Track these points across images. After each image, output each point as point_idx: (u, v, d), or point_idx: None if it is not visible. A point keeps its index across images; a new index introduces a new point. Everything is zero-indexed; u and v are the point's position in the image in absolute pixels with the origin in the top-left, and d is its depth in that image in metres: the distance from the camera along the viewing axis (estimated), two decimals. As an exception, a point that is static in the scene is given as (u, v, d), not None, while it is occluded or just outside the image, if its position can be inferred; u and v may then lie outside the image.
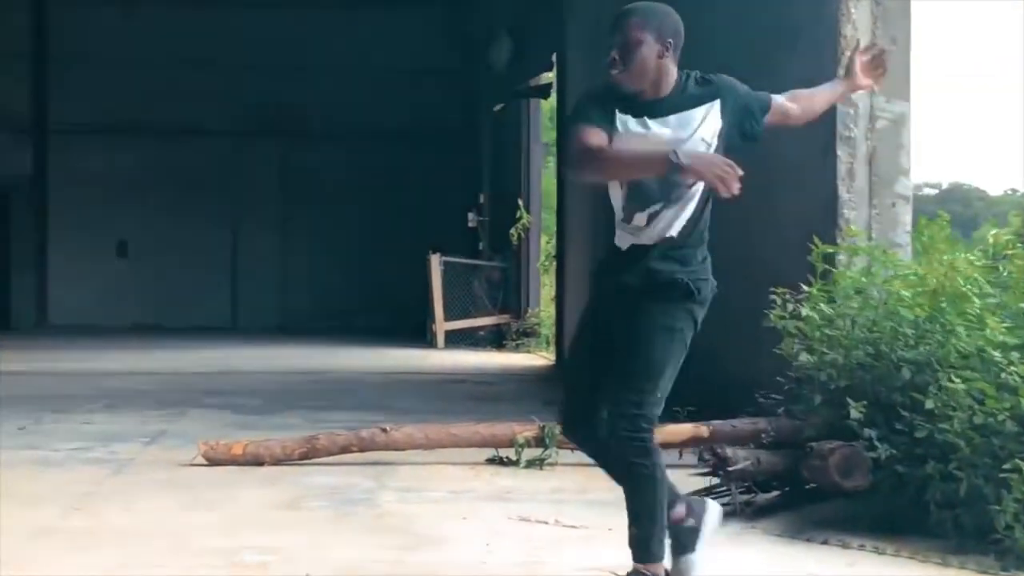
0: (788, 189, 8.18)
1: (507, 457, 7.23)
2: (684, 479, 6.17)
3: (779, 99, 4.39)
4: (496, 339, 17.02)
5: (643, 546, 4.11)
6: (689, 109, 4.07)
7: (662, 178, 3.96)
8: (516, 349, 16.51)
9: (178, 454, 7.34)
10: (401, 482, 6.66)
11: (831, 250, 6.13)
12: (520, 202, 16.73)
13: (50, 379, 12.19)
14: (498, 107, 17.77)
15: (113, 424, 8.85)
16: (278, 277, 21.60)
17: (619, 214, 4.14)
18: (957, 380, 5.11)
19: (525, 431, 7.25)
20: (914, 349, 5.51)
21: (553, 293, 15.42)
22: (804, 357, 5.82)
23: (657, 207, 4.05)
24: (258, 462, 7.06)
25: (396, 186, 20.34)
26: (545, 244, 17.13)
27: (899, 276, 5.91)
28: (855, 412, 5.42)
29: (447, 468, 7.02)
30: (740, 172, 3.84)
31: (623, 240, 4.15)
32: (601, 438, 4.17)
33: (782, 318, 6.01)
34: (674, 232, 4.08)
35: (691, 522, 4.26)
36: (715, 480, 5.87)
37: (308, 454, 7.12)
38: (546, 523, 5.66)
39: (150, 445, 7.88)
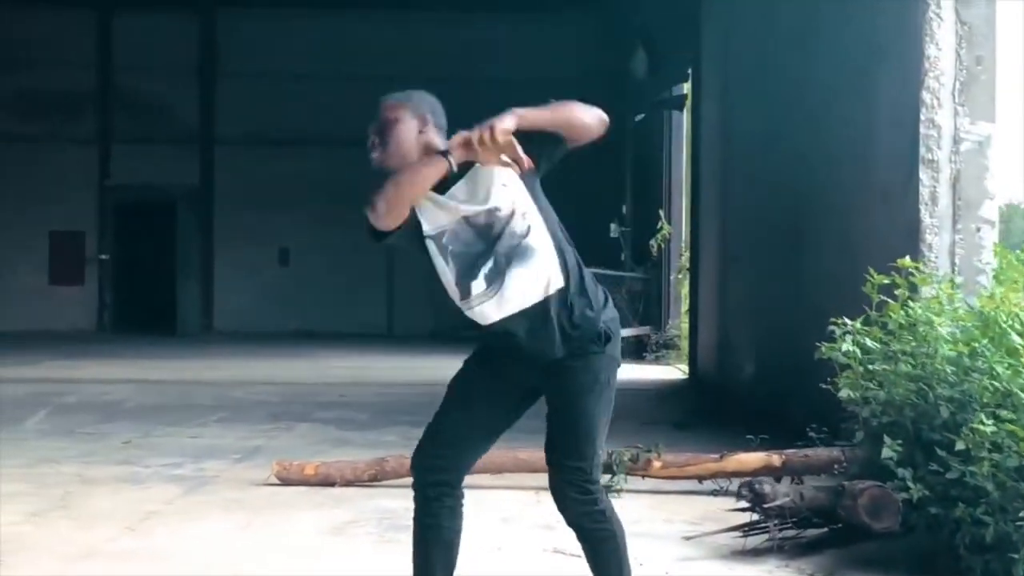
0: (875, 214, 8.03)
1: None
2: (725, 515, 6.17)
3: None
4: (637, 350, 16.97)
5: None
6: (472, 167, 3.84)
7: (476, 227, 3.82)
8: (656, 361, 16.46)
9: (260, 472, 7.56)
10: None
11: (886, 281, 5.98)
12: (661, 213, 16.66)
13: (181, 388, 12.67)
14: (639, 117, 17.72)
15: (217, 439, 9.17)
16: (431, 285, 21.83)
17: (457, 295, 3.91)
18: (988, 421, 4.96)
19: (593, 457, 7.25)
20: (955, 387, 5.36)
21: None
22: (845, 393, 5.71)
23: (488, 265, 3.82)
24: (329, 483, 7.25)
25: (544, 195, 20.45)
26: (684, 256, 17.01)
27: (946, 311, 5.73)
28: (888, 451, 5.31)
29: (510, 492, 7.08)
30: (494, 128, 3.66)
31: (486, 314, 3.89)
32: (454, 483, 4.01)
33: (833, 350, 5.91)
34: (554, 286, 3.87)
35: None
36: (755, 516, 5.80)
37: (377, 476, 7.27)
38: (577, 557, 5.65)
39: (240, 462, 8.14)
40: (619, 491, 7.12)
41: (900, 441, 5.37)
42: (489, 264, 3.82)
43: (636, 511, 6.68)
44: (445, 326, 21.32)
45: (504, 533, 6.14)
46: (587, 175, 20.35)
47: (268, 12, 21.70)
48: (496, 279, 3.82)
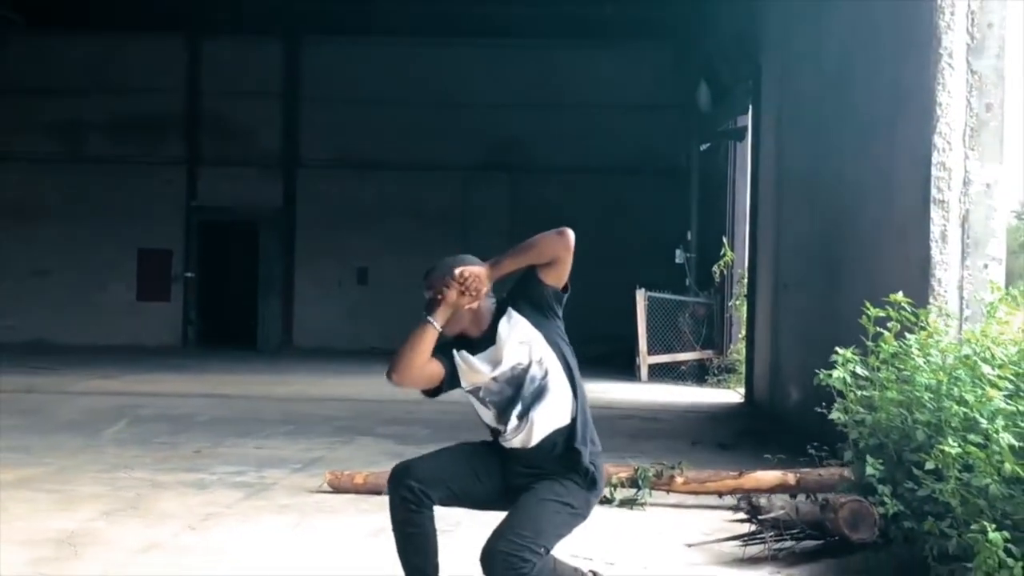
0: (894, 249, 8.58)
1: (605, 496, 7.87)
2: (725, 524, 6.79)
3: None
4: (699, 374, 17.54)
5: None
6: (495, 334, 4.59)
7: (504, 380, 4.60)
8: (717, 384, 16.99)
9: (315, 481, 8.28)
10: (494, 516, 7.39)
11: (881, 314, 6.55)
12: (724, 240, 17.22)
13: (252, 402, 13.46)
14: (704, 146, 18.32)
15: (280, 450, 9.92)
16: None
17: (498, 431, 4.69)
18: (954, 443, 5.52)
19: (620, 472, 7.90)
20: (933, 412, 5.93)
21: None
22: (836, 415, 6.30)
23: (518, 407, 4.59)
24: (377, 491, 7.91)
25: (613, 220, 21.16)
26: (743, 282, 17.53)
27: (933, 343, 6.29)
28: (870, 469, 5.89)
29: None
30: (458, 276, 4.47)
31: (518, 444, 4.64)
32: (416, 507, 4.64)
33: (829, 377, 6.49)
34: (565, 420, 4.60)
35: None
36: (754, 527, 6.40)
37: (420, 485, 7.93)
38: (590, 560, 6.30)
39: (298, 472, 8.87)
40: (643, 504, 7.74)
41: (882, 460, 5.95)
42: (519, 407, 4.61)
43: (656, 521, 7.32)
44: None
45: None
46: (654, 202, 21.08)
47: (350, 39, 22.62)
48: (524, 417, 4.60)
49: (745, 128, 15.99)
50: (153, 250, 23.39)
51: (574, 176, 21.86)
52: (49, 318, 22.92)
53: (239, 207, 23.02)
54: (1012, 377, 5.86)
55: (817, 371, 6.61)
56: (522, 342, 4.60)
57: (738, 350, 17.30)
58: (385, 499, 7.62)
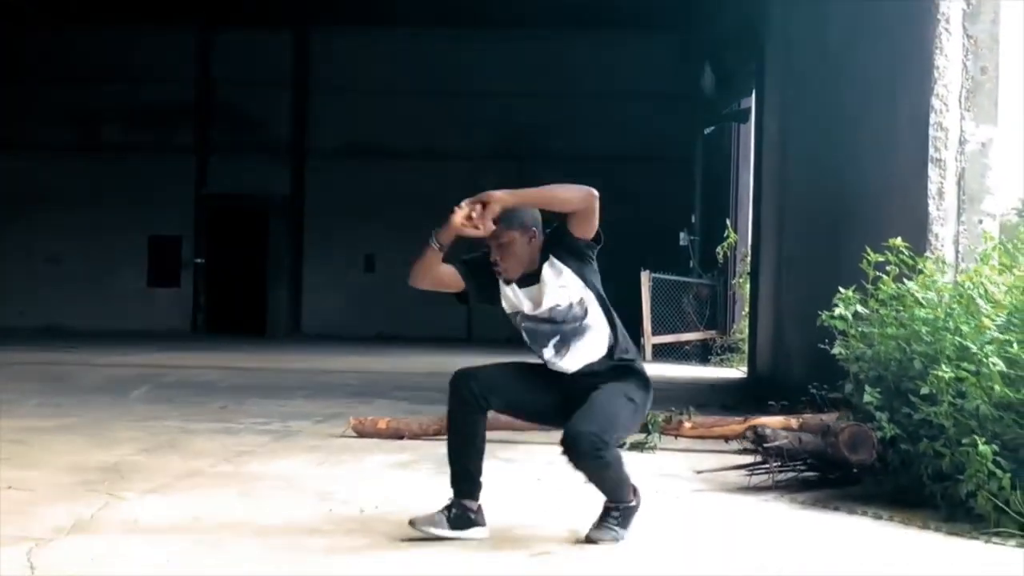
0: (894, 209, 8.99)
1: (617, 441, 8.28)
2: (735, 458, 7.21)
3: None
4: (702, 353, 17.96)
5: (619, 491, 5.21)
6: (539, 273, 5.10)
7: (541, 319, 5.10)
8: (720, 363, 17.40)
9: (339, 430, 8.69)
10: (510, 454, 7.83)
11: (880, 259, 6.96)
12: (728, 222, 17.63)
13: (273, 374, 13.90)
14: (708, 130, 18.75)
15: (302, 407, 10.34)
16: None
17: (534, 351, 5.21)
18: (947, 369, 5.94)
19: (631, 418, 8.29)
20: (929, 344, 6.34)
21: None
22: (838, 350, 6.72)
23: (556, 339, 5.11)
24: (399, 436, 8.36)
25: (619, 206, 21.52)
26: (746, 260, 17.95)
27: (930, 284, 6.70)
28: (868, 396, 6.30)
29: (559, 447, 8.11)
30: (467, 202, 4.88)
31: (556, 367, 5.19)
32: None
33: (831, 318, 6.91)
34: (601, 353, 5.14)
35: (635, 502, 5.26)
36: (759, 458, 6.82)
37: (441, 431, 8.30)
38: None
39: (321, 423, 9.29)
40: (653, 448, 8.15)
41: (880, 389, 6.36)
42: (556, 339, 5.14)
43: (664, 461, 7.74)
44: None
45: (547, 470, 7.17)
46: (659, 187, 21.49)
47: (359, 29, 23.07)
48: (562, 349, 5.13)
49: (749, 110, 16.42)
50: (164, 237, 23.85)
51: (582, 163, 22.15)
52: (61, 304, 23.37)
53: (249, 195, 23.47)
54: (1006, 310, 6.27)
55: (820, 312, 7.03)
56: (562, 286, 5.08)
57: (741, 329, 17.73)
58: (409, 442, 8.13)
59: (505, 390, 5.18)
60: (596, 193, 4.97)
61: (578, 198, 4.96)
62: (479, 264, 5.17)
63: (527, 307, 5.14)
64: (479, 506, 5.22)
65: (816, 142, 11.97)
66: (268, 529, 5.26)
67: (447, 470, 7.02)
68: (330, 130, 23.55)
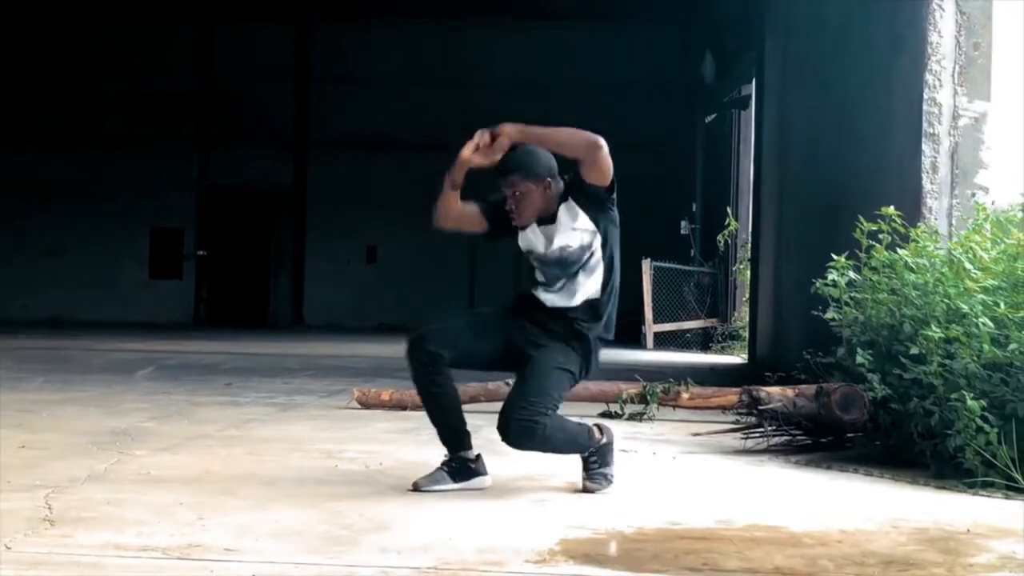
0: (890, 184, 9.19)
1: (615, 411, 8.50)
2: (728, 417, 7.41)
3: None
4: (703, 341, 18.16)
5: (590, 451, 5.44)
6: (557, 216, 5.29)
7: (552, 258, 5.29)
8: (721, 351, 17.60)
9: (343, 403, 8.90)
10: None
11: (873, 227, 7.16)
12: (729, 210, 17.83)
13: (276, 358, 14.11)
14: (709, 118, 18.95)
15: (306, 385, 10.56)
16: (510, 281, 23.23)
17: (540, 282, 5.39)
18: (937, 330, 6.14)
19: (630, 388, 8.53)
20: (919, 309, 6.54)
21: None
22: (831, 315, 6.93)
23: (564, 275, 5.30)
24: (402, 407, 8.57)
25: (620, 194, 21.73)
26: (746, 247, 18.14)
27: (922, 251, 6.91)
28: (860, 358, 6.51)
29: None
30: (482, 136, 5.10)
31: (547, 301, 5.35)
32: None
33: (825, 285, 7.11)
34: (597, 294, 5.32)
35: (605, 439, 5.47)
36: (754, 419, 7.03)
37: (443, 402, 8.55)
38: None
39: (325, 398, 9.51)
40: (652, 418, 8.36)
41: (871, 352, 6.56)
42: (565, 275, 5.31)
43: (662, 429, 7.95)
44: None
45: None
46: (660, 176, 21.69)
47: (360, 20, 23.26)
48: (570, 281, 5.30)
49: (749, 96, 16.61)
50: (166, 229, 24.04)
51: (581, 154, 22.45)
52: (64, 296, 23.56)
53: (251, 186, 23.67)
54: (994, 274, 6.47)
55: (813, 280, 7.23)
56: (575, 228, 5.27)
57: (741, 317, 17.92)
58: (418, 413, 8.31)
59: (456, 340, 5.33)
60: (602, 143, 5.12)
61: (581, 146, 5.14)
62: (499, 205, 5.35)
63: (540, 245, 5.31)
64: (477, 455, 5.43)
65: (815, 125, 12.18)
66: (276, 479, 5.48)
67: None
68: (332, 121, 23.74)
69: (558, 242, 5.27)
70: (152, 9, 23.18)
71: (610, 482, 5.40)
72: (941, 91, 8.44)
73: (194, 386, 10.21)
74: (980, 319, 6.05)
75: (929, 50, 8.45)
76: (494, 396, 8.52)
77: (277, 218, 23.78)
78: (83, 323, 22.06)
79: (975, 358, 6.03)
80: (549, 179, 5.27)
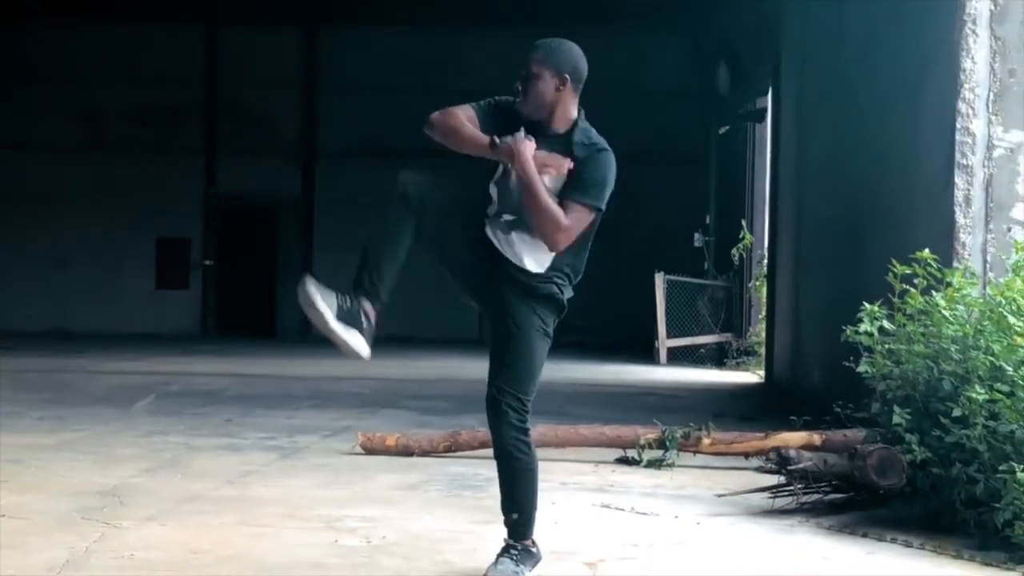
0: (920, 216, 8.73)
1: (633, 457, 8.05)
2: (755, 477, 6.97)
3: (576, 207, 4.72)
4: (718, 357, 17.70)
5: (527, 525, 4.90)
6: (562, 147, 4.74)
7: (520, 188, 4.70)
8: (736, 367, 17.14)
9: (347, 445, 8.47)
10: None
11: (908, 271, 6.70)
12: (743, 223, 17.37)
13: (277, 381, 13.68)
14: (723, 130, 18.48)
15: (310, 420, 10.12)
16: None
17: (491, 207, 4.89)
18: (982, 391, 5.68)
19: (648, 434, 8.07)
20: (959, 364, 6.09)
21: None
22: (864, 368, 6.46)
23: (511, 217, 4.78)
24: (408, 452, 8.13)
25: (632, 206, 21.28)
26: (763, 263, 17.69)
27: (960, 298, 6.44)
28: (897, 418, 6.05)
29: (573, 464, 7.89)
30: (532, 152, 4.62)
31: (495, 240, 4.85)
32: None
33: (856, 333, 6.65)
34: (534, 268, 4.81)
35: (536, 550, 4.91)
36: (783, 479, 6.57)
37: (451, 447, 8.14)
38: (622, 510, 6.48)
39: (329, 437, 9.06)
40: (671, 465, 7.91)
41: (909, 410, 6.10)
42: (513, 218, 4.78)
43: (683, 480, 7.49)
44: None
45: (560, 492, 6.92)
46: (673, 187, 21.20)
47: (368, 27, 22.81)
48: (510, 229, 4.79)
49: (764, 109, 16.16)
50: (172, 238, 23.58)
51: (592, 163, 21.94)
52: (69, 306, 23.15)
53: (258, 195, 23.21)
54: (1038, 328, 6.01)
55: (844, 328, 6.77)
56: (556, 184, 4.72)
57: (757, 332, 17.46)
58: (418, 460, 7.90)
59: (441, 208, 4.89)
60: (564, 231, 4.69)
61: (546, 224, 4.68)
62: (497, 106, 4.90)
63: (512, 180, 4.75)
64: (374, 315, 4.88)
65: (836, 143, 11.71)
66: (268, 565, 5.03)
67: (456, 492, 6.87)
68: (340, 130, 23.28)
69: (547, 163, 4.69)
70: (157, 15, 22.73)
71: None
72: (975, 120, 7.98)
73: (193, 422, 9.78)
74: (1027, 381, 5.60)
75: (962, 77, 7.99)
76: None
77: (284, 227, 23.34)
78: (88, 335, 21.63)
79: (1022, 422, 5.57)
80: (566, 77, 4.79)
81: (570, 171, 4.69)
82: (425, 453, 8.14)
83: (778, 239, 14.90)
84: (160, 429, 9.28)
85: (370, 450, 8.18)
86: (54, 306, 23.14)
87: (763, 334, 16.86)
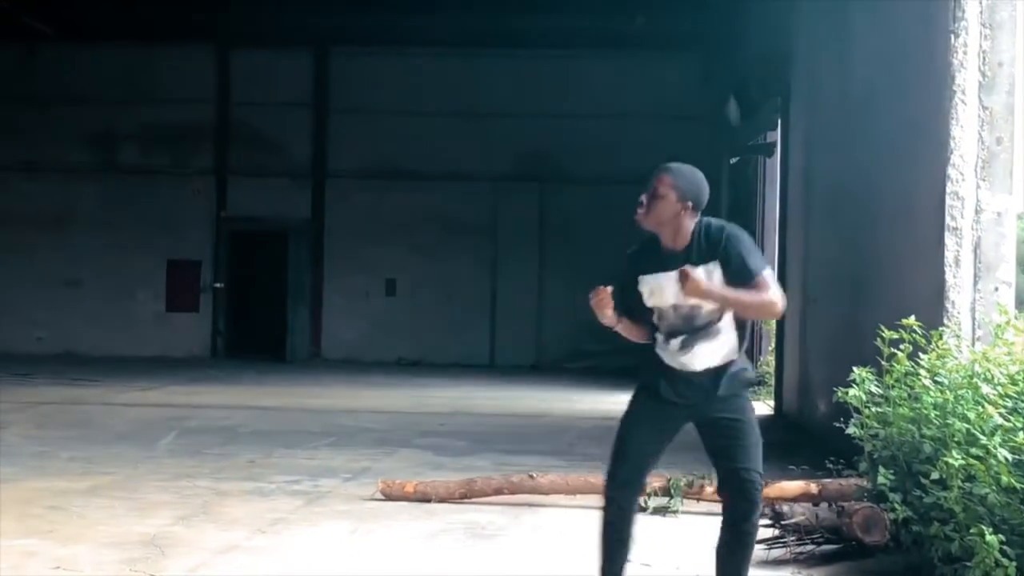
0: (913, 271, 9.45)
1: (640, 504, 8.74)
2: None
3: (758, 279, 5.22)
4: (729, 385, 18.32)
5: None
6: (690, 259, 5.31)
7: (681, 314, 5.35)
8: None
9: (367, 490, 9.19)
10: (535, 520, 8.31)
11: (895, 336, 7.42)
12: (754, 253, 18.02)
13: (295, 415, 14.41)
14: (733, 160, 19.19)
15: (329, 460, 10.84)
16: (534, 317, 23.57)
17: (660, 341, 5.52)
18: (958, 456, 6.39)
19: (653, 481, 8.76)
20: (938, 428, 6.80)
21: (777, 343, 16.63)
22: (853, 430, 7.19)
23: (685, 336, 5.37)
24: (426, 499, 8.85)
25: (641, 231, 21.99)
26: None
27: (944, 363, 7.15)
28: (882, 478, 6.77)
29: (583, 512, 8.59)
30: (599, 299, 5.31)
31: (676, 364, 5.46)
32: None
33: (846, 395, 7.37)
34: (720, 362, 5.39)
35: None
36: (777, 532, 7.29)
37: (467, 494, 8.86)
38: (648, 565, 7.18)
39: (349, 481, 9.78)
40: (676, 512, 8.62)
41: (893, 471, 6.82)
42: (685, 335, 5.36)
43: (687, 528, 8.21)
44: (547, 359, 23.09)
45: (568, 539, 7.63)
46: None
47: (379, 50, 23.57)
48: (688, 346, 5.37)
49: (774, 144, 16.84)
50: (182, 261, 24.32)
51: (603, 187, 22.64)
52: (80, 329, 23.90)
53: (268, 217, 23.96)
54: (1012, 395, 6.72)
55: (835, 389, 7.49)
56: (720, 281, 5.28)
57: (767, 363, 18.12)
58: (436, 506, 8.62)
59: (646, 465, 5.63)
60: (779, 306, 5.26)
61: (765, 313, 5.37)
62: (632, 257, 5.56)
63: (670, 295, 5.32)
64: None
65: (838, 188, 12.44)
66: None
67: (472, 542, 7.60)
68: (350, 152, 24.01)
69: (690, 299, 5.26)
70: (168, 38, 23.47)
71: None
72: (963, 184, 8.70)
73: (217, 463, 10.50)
74: (998, 450, 6.29)
75: (952, 143, 8.71)
76: (518, 489, 8.84)
77: (295, 249, 24.01)
78: (99, 358, 22.41)
79: (995, 486, 6.27)
80: (690, 203, 5.32)
81: (723, 262, 5.26)
82: (442, 500, 8.85)
83: (787, 271, 15.59)
84: (187, 472, 10.00)
85: (389, 496, 8.91)
86: (65, 329, 23.93)
87: (771, 365, 17.55)
